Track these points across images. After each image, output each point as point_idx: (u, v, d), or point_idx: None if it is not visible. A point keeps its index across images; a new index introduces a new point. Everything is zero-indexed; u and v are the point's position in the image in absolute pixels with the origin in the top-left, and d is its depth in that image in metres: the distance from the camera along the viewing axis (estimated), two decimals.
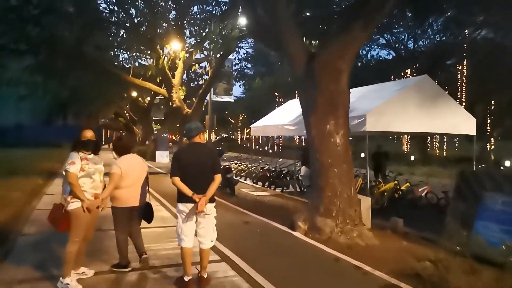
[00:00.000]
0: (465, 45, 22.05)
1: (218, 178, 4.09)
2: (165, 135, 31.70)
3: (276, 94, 33.37)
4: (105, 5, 16.55)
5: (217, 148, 12.45)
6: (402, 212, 8.35)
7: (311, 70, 6.54)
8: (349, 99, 6.53)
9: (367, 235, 6.10)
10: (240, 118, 45.47)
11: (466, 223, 5.67)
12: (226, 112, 44.82)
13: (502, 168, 18.37)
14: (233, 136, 55.66)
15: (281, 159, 15.23)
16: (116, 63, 23.06)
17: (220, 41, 14.52)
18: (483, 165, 19.36)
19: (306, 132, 6.83)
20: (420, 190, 10.56)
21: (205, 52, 19.04)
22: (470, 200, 5.81)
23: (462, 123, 9.39)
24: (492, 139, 24.72)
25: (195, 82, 28.45)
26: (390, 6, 6.04)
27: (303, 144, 36.09)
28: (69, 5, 15.15)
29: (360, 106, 8.67)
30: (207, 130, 18.63)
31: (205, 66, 25.60)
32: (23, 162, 16.19)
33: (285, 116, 12.54)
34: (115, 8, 17.27)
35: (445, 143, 28.97)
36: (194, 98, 19.55)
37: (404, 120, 8.65)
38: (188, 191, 3.95)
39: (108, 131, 54.97)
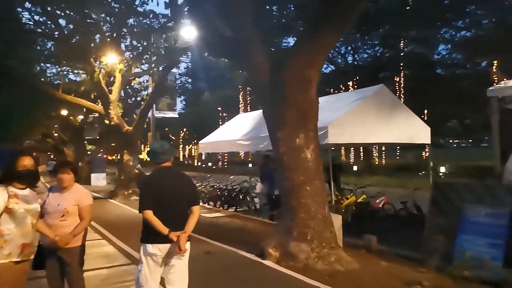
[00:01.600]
0: (401, 59, 23.17)
1: (197, 210, 3.44)
2: (101, 156, 29.47)
3: (220, 109, 32.70)
4: (29, 16, 14.83)
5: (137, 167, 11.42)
6: (367, 226, 8.00)
7: (277, 80, 5.95)
8: (318, 110, 6.02)
9: (345, 259, 5.54)
10: (182, 135, 44.02)
11: (447, 238, 5.35)
12: (166, 129, 43.15)
13: (441, 174, 19.27)
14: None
15: (231, 176, 14.47)
16: (43, 79, 20.92)
17: (163, 52, 13.57)
18: (423, 172, 20.22)
19: (273, 148, 6.19)
20: (377, 201, 10.39)
21: (145, 66, 17.90)
22: (449, 213, 5.52)
23: (418, 132, 9.38)
24: (427, 147, 26.10)
25: (133, 98, 26.92)
26: (359, 11, 5.67)
27: (249, 159, 35.73)
28: None
29: (320, 117, 8.26)
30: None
31: (144, 80, 24.29)
32: None
33: (236, 131, 11.88)
34: (41, 19, 15.62)
35: (383, 152, 30.16)
36: (134, 115, 18.21)
37: (366, 131, 8.39)
38: (163, 229, 3.18)
39: (34, 153, 50.34)
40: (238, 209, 11.73)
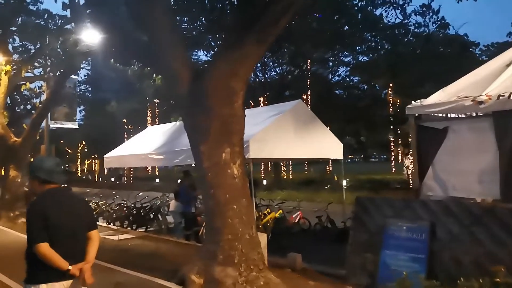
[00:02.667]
0: (305, 79, 24.34)
1: (97, 235, 3.01)
2: None
3: (125, 120, 30.61)
4: None
5: None
6: (286, 243, 7.88)
7: (199, 90, 5.49)
8: (244, 123, 5.70)
9: (274, 281, 5.24)
10: (80, 148, 40.26)
11: (371, 253, 5.39)
12: (62, 141, 39.10)
13: (344, 186, 20.46)
14: (70, 169, 48.86)
15: (140, 193, 13.39)
16: None
17: (61, 56, 12.12)
18: (328, 186, 21.32)
19: (196, 162, 5.69)
20: (293, 216, 10.43)
21: (38, 70, 15.88)
22: (371, 228, 5.59)
23: (332, 148, 9.67)
24: (330, 161, 27.75)
25: (22, 106, 23.84)
26: (285, 21, 5.54)
27: (157, 173, 34.02)
28: None
29: None
30: None
31: (36, 86, 21.72)
32: None
33: (147, 145, 11.01)
34: None
35: (290, 166, 31.27)
36: (24, 125, 15.96)
37: (285, 146, 8.35)
38: (64, 263, 2.63)
39: None
40: (148, 229, 10.81)
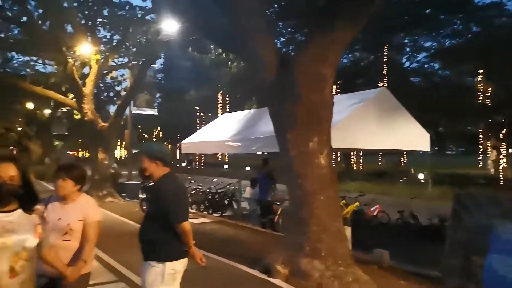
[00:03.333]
0: (380, 66, 23.07)
1: None
2: (70, 153, 27.87)
3: (197, 108, 31.64)
4: None
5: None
6: (368, 238, 7.52)
7: (286, 77, 5.32)
8: (332, 111, 5.44)
9: (363, 279, 4.98)
10: (155, 133, 42.54)
11: (474, 256, 4.89)
12: (139, 127, 41.66)
13: (422, 180, 19.26)
14: None
15: (215, 179, 13.73)
16: (8, 70, 19.40)
17: (143, 45, 12.67)
18: (404, 178, 20.19)
19: (282, 151, 5.55)
20: (371, 209, 9.98)
21: (122, 59, 16.85)
22: (474, 229, 5.06)
23: (417, 138, 9.00)
24: (404, 153, 26.30)
25: (106, 93, 25.62)
26: (379, 6, 5.15)
27: (226, 160, 34.86)
28: None
29: None
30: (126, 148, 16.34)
31: (118, 75, 23.13)
32: None
33: (223, 132, 11.14)
34: (5, 4, 14.29)
35: (361, 157, 30.16)
36: (111, 112, 17.13)
37: (367, 136, 7.90)
38: (192, 240, 2.93)
39: (16, 156, 47.49)
40: (223, 214, 11.02)
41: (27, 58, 17.70)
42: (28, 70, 17.95)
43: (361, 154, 29.26)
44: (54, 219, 2.67)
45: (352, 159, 30.09)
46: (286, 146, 5.35)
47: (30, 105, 25.56)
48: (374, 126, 8.02)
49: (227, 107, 27.53)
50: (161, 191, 2.83)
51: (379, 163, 28.85)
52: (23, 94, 21.11)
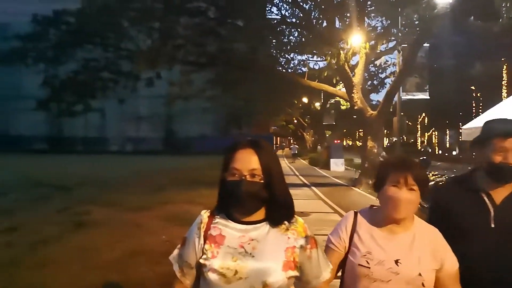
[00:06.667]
0: None
1: None
2: (336, 141, 29.92)
3: (473, 88, 27.39)
4: (277, 11, 15.75)
5: (422, 158, 9.61)
6: None
7: None
8: None
9: None
10: (419, 119, 40.07)
11: None
12: (402, 114, 40.26)
13: None
14: (411, 141, 49.68)
15: None
16: (289, 70, 22.42)
17: (418, 23, 11.65)
18: None
19: None
20: None
21: (392, 43, 16.29)
22: None
23: None
24: None
25: (369, 82, 25.76)
26: None
27: None
28: (240, 15, 14.77)
29: None
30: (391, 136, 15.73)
31: (384, 60, 22.72)
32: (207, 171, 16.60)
33: None
34: (287, 12, 16.31)
35: None
36: (373, 101, 17.00)
37: None
38: None
39: (278, 138, 56.79)
40: None
41: (302, 57, 19.86)
42: (303, 68, 20.10)
43: None
44: (383, 259, 1.48)
45: None
46: None
47: (304, 99, 28.89)
48: None
49: None
50: None
51: None
52: (299, 90, 23.98)
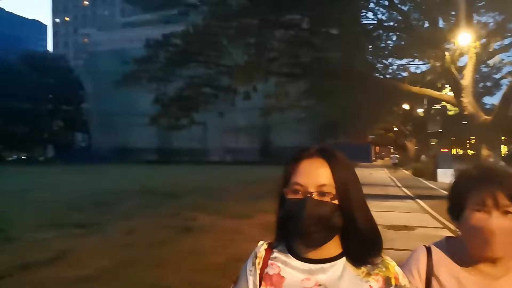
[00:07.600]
0: None
1: None
2: (443, 150, 27.53)
3: None
4: (373, 16, 15.19)
5: None
6: None
7: None
8: None
9: None
10: None
11: None
12: None
13: None
14: None
15: None
16: (387, 75, 21.44)
17: None
18: None
19: None
20: None
21: (501, 42, 14.59)
22: None
23: None
24: None
25: (482, 84, 23.33)
26: None
27: None
28: (334, 24, 14.62)
29: None
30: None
31: (494, 63, 20.50)
32: None
33: None
34: (383, 16, 15.67)
35: None
36: (487, 105, 15.26)
37: None
38: None
39: (377, 147, 54.39)
40: None
41: (402, 61, 18.83)
42: (403, 73, 19.04)
43: None
44: None
45: None
46: None
47: (405, 106, 27.23)
48: None
49: None
50: None
51: None
52: (399, 96, 22.71)
